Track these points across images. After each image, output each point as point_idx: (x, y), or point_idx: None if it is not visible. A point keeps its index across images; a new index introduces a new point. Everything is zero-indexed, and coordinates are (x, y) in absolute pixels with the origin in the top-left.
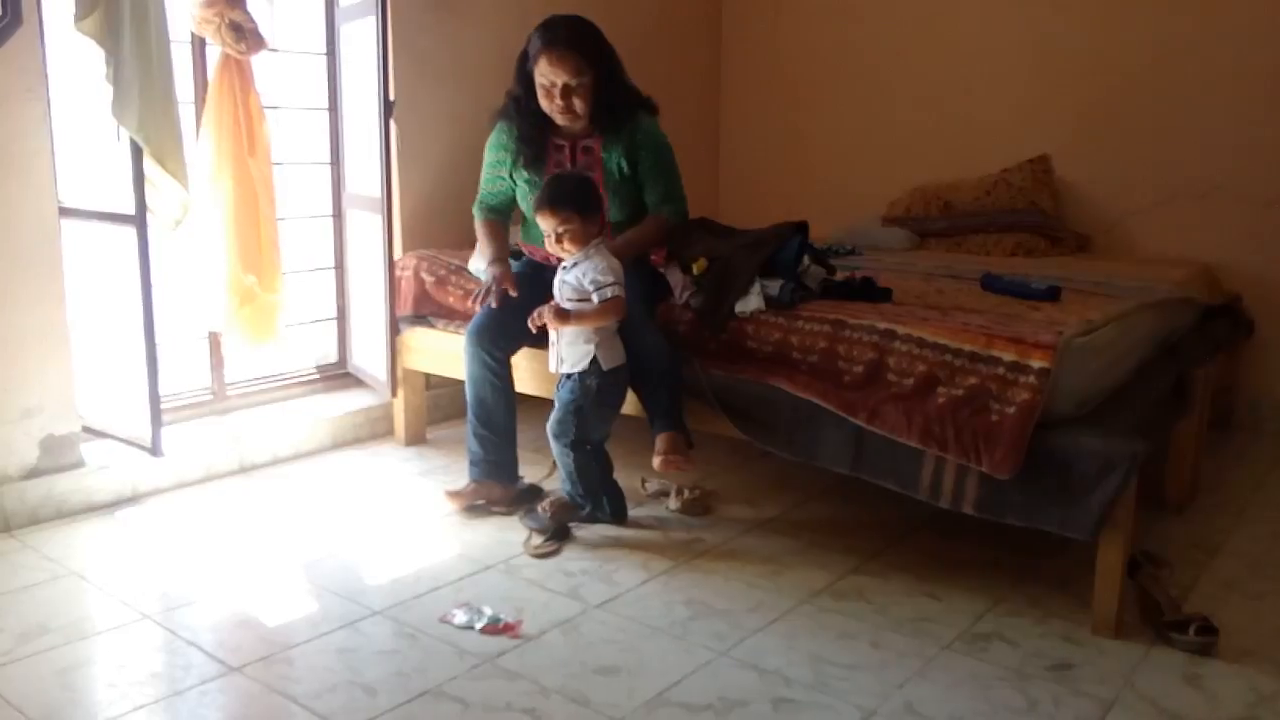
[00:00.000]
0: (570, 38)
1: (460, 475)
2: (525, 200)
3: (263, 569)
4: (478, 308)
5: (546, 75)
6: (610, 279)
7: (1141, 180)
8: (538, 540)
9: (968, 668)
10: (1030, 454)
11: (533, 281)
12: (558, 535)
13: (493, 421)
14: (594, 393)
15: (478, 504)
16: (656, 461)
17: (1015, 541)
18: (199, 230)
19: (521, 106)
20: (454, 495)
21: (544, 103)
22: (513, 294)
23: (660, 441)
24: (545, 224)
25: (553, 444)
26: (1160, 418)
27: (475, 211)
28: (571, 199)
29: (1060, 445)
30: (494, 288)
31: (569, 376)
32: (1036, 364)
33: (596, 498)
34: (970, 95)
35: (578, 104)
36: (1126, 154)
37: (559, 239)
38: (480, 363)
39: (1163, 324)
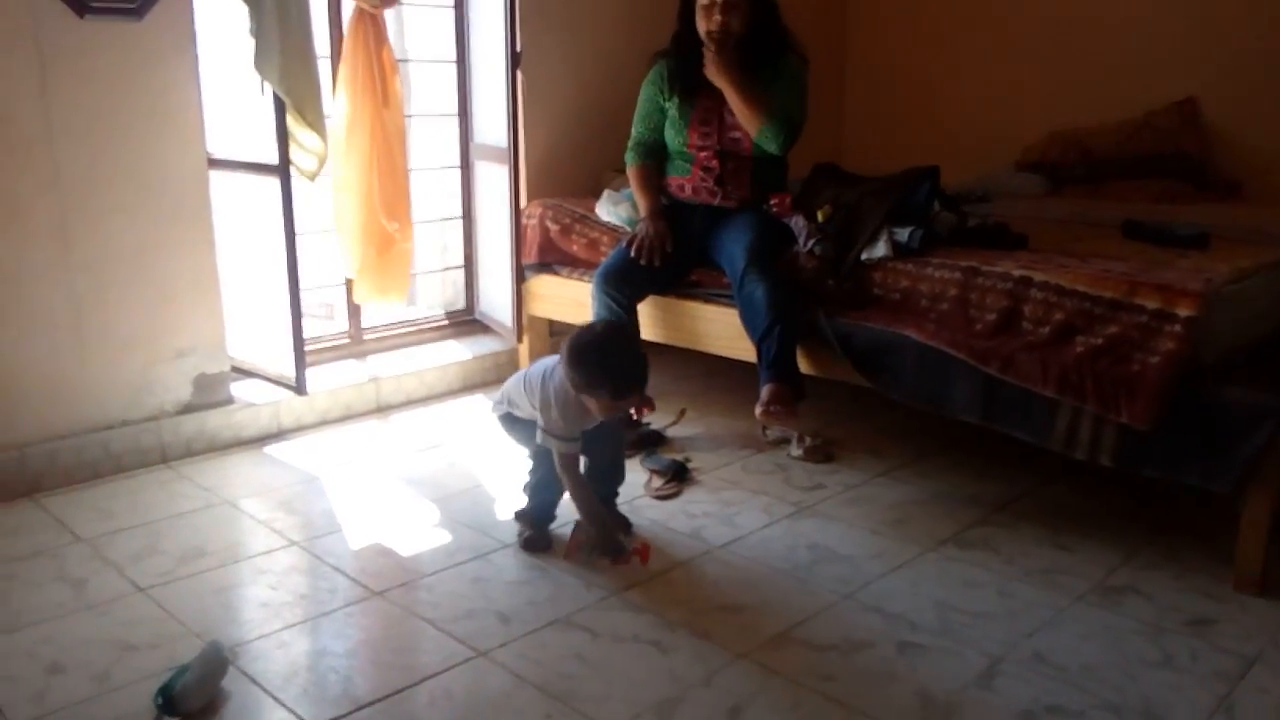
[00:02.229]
0: None
1: None
2: (673, 127)
3: (400, 502)
4: (633, 254)
5: None
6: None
7: None
8: (658, 482)
9: (1101, 620)
10: (1172, 405)
11: (673, 224)
12: (678, 477)
13: None
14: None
15: None
16: (757, 411)
17: (1151, 494)
18: (339, 180)
19: (681, 42)
20: None
21: (703, 25)
22: (668, 249)
23: (765, 392)
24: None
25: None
26: None
27: (629, 158)
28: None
29: (1205, 396)
30: (650, 244)
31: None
32: (1183, 313)
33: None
34: (1111, 34)
35: (734, 22)
36: None
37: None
38: (607, 307)
39: None
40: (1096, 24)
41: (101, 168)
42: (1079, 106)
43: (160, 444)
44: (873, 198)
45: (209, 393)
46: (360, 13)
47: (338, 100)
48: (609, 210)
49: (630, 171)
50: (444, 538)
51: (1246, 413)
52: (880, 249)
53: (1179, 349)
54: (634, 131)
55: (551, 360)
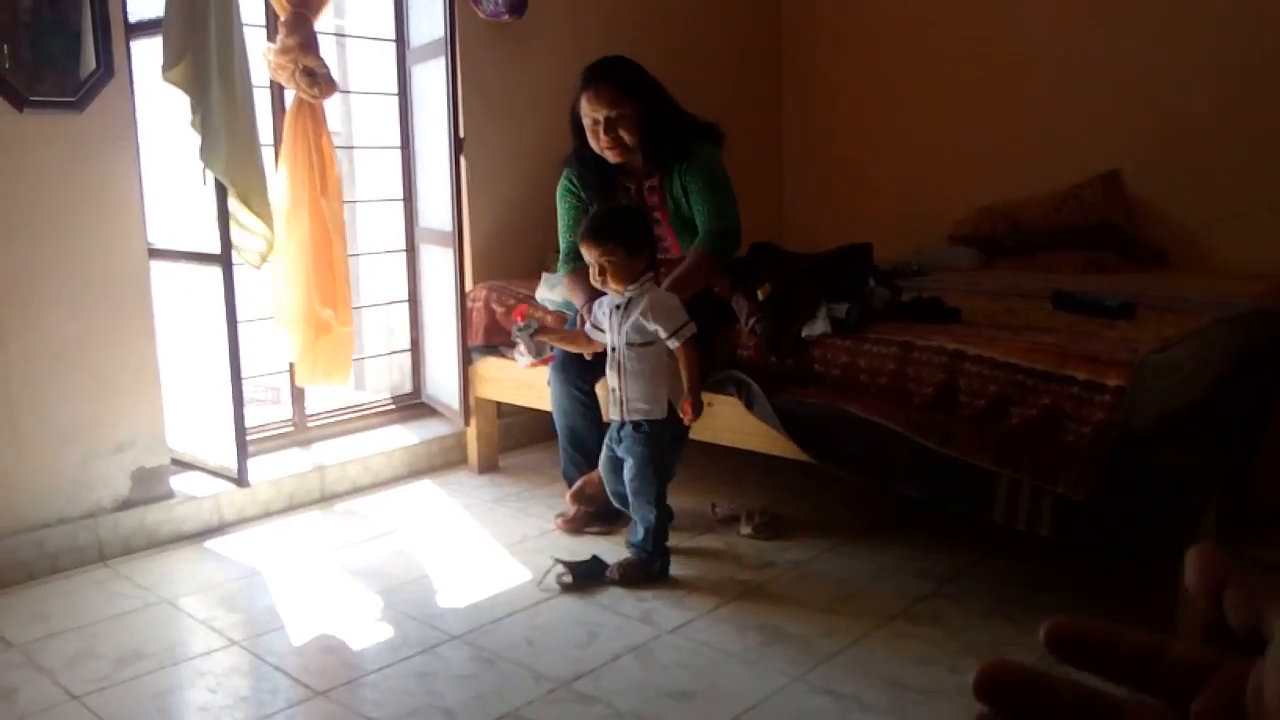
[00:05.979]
0: (605, 72)
1: (533, 501)
2: None
3: (344, 595)
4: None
5: (588, 114)
6: (683, 318)
7: (1217, 192)
8: (560, 570)
9: None
10: (1107, 473)
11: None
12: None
13: (585, 447)
14: (669, 439)
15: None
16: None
17: (1094, 562)
18: (277, 267)
19: (582, 158)
20: (566, 521)
21: (594, 144)
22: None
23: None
24: (588, 255)
25: (634, 502)
26: (1241, 434)
27: (561, 267)
28: (617, 230)
29: (1138, 464)
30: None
31: (638, 427)
32: (1112, 383)
33: (664, 553)
34: (1037, 111)
35: (624, 135)
36: (1201, 166)
37: (601, 271)
38: (569, 395)
39: (1242, 338)
40: (1023, 101)
41: (39, 260)
42: (1008, 180)
43: (98, 541)
44: (810, 275)
45: (148, 487)
46: (300, 102)
47: (277, 187)
48: (544, 294)
49: (566, 281)
50: (389, 632)
51: (1178, 479)
52: (820, 326)
53: (1109, 418)
54: (562, 243)
55: None
